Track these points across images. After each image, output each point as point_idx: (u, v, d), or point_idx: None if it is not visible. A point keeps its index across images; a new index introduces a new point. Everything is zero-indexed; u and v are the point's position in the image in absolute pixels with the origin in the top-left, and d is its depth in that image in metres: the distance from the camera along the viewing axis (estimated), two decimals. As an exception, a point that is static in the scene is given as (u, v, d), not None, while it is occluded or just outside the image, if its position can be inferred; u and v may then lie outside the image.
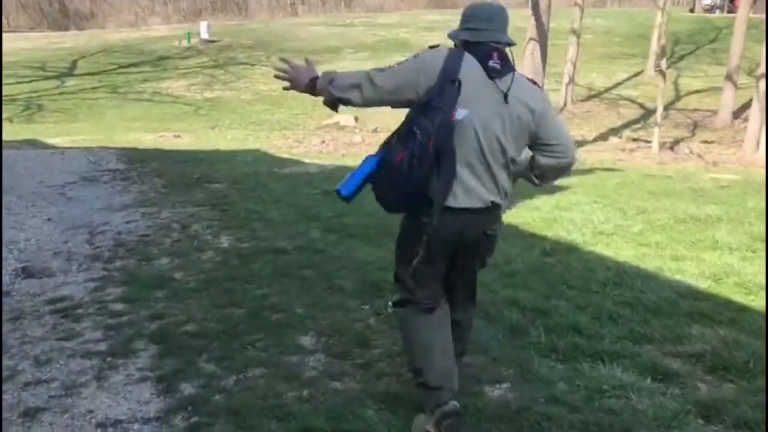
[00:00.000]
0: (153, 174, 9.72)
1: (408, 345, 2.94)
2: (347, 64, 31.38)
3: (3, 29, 40.43)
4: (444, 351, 2.81)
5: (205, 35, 37.26)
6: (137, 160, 11.20)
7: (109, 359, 3.53)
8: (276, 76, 2.99)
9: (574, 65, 24.23)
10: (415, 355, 2.86)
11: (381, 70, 2.76)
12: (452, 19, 32.12)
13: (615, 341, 3.59)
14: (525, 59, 16.92)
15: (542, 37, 16.82)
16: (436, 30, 39.33)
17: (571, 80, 24.17)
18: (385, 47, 35.27)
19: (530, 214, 6.56)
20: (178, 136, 17.18)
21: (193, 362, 3.43)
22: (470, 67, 2.64)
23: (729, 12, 37.86)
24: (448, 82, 2.60)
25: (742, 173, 11.65)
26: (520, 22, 19.82)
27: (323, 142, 17.48)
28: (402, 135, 2.68)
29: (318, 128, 20.90)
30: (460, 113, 2.60)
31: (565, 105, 23.58)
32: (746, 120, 21.07)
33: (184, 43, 36.88)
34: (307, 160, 12.31)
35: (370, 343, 3.65)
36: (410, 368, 2.97)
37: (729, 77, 21.91)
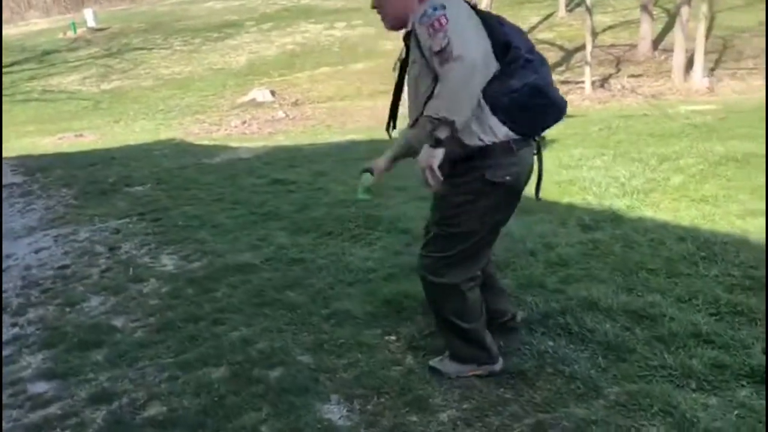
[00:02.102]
0: (59, 184, 8.19)
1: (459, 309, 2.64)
2: (252, 37, 29.63)
3: None
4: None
5: (92, 23, 34.59)
6: (37, 169, 9.56)
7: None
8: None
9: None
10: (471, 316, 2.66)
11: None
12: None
13: (769, 350, 2.59)
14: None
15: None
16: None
17: (489, 29, 23.32)
18: (289, 16, 33.55)
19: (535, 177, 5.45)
20: (81, 135, 15.35)
21: (176, 482, 2.23)
22: None
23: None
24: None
25: (714, 102, 10.99)
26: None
27: (244, 122, 16.01)
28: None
29: (233, 108, 19.32)
30: None
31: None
32: (666, 51, 20.93)
33: (70, 34, 34.06)
34: (234, 144, 10.94)
35: (427, 402, 2.53)
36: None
37: (645, 8, 21.59)
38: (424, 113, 2.31)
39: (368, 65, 22.61)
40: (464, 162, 2.42)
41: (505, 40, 2.36)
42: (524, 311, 3.11)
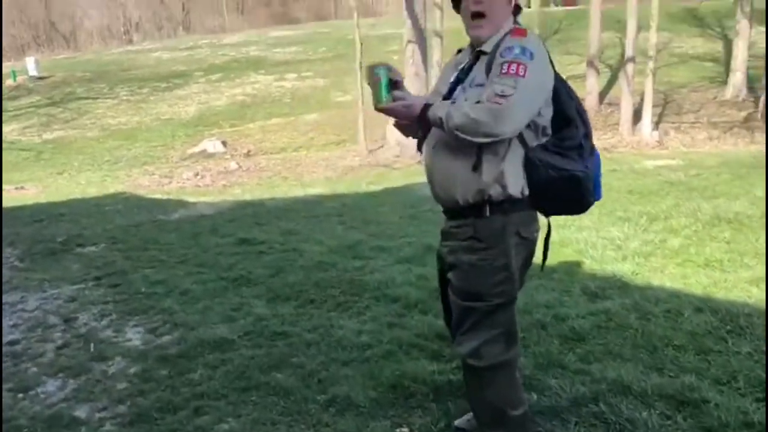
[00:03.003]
0: (2, 243, 7.59)
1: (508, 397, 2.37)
2: (201, 87, 29.28)
3: None
4: None
5: (33, 72, 33.58)
6: (-25, 226, 8.91)
7: None
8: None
9: (441, 68, 23.78)
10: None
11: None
12: (299, 33, 31.09)
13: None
14: (405, 63, 15.97)
15: (420, 38, 15.97)
16: (286, 45, 37.97)
17: (440, 82, 23.63)
18: (238, 67, 33.32)
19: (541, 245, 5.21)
20: (22, 188, 14.59)
21: None
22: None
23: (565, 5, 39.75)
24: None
25: (677, 157, 11.13)
26: (399, 27, 19.02)
27: (197, 174, 15.53)
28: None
29: (184, 158, 18.79)
30: None
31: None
32: (611, 104, 21.54)
33: (10, 82, 32.97)
34: (191, 199, 10.49)
35: None
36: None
37: (591, 64, 22.21)
38: (445, 107, 2.18)
39: (321, 116, 22.48)
40: (501, 214, 2.24)
41: (569, 114, 2.23)
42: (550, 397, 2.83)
